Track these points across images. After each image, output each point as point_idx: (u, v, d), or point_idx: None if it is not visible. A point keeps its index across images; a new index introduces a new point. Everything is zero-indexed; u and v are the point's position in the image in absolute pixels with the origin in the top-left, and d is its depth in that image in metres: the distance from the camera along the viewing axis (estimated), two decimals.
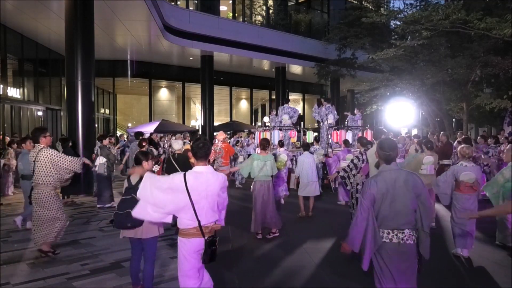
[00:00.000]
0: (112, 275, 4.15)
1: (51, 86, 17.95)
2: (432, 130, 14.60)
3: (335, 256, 4.86)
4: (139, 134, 9.77)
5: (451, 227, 4.87)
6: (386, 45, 14.80)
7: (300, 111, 26.96)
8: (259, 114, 31.70)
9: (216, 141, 9.03)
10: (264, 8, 23.26)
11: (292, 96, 27.94)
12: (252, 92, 26.73)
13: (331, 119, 11.02)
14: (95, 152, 8.41)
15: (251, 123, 27.37)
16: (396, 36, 16.91)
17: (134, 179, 3.55)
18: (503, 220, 5.14)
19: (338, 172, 6.11)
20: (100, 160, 7.67)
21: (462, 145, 4.96)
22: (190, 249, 2.73)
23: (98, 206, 7.67)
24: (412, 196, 2.63)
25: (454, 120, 20.03)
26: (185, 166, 5.02)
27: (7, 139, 11.93)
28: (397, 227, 2.62)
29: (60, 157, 4.60)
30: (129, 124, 25.36)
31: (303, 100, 29.25)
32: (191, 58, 19.74)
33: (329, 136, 10.96)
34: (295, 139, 12.03)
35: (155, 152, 7.94)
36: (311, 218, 6.86)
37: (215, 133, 18.48)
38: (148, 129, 15.24)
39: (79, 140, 9.35)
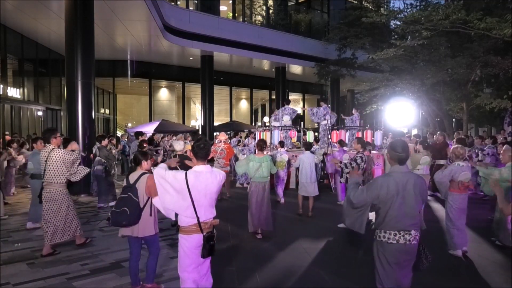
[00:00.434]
0: (112, 275, 4.15)
1: (51, 86, 17.96)
2: (432, 130, 14.60)
3: (334, 256, 4.86)
4: (138, 134, 9.77)
5: (447, 229, 4.87)
6: (386, 45, 14.80)
7: (300, 111, 26.99)
8: (259, 114, 31.70)
9: (217, 141, 9.04)
10: (264, 8, 23.26)
11: (292, 96, 27.93)
12: (252, 92, 26.74)
13: (328, 119, 11.04)
14: (93, 152, 8.39)
15: (251, 123, 27.37)
16: (396, 36, 16.91)
17: (132, 178, 3.59)
18: (502, 220, 5.15)
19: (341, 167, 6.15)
20: (99, 161, 7.62)
21: (456, 145, 5.00)
22: (190, 245, 2.83)
23: (98, 206, 7.66)
24: (419, 199, 2.69)
25: (454, 120, 20.02)
26: (186, 166, 5.02)
27: (8, 138, 11.92)
28: (404, 229, 2.65)
29: (70, 155, 4.84)
30: (129, 124, 25.35)
31: (303, 100, 29.24)
32: (191, 58, 19.74)
33: (329, 136, 10.97)
34: (295, 139, 12.05)
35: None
36: (310, 218, 6.85)
37: (215, 133, 18.54)
38: (148, 129, 15.25)
39: (79, 140, 9.34)
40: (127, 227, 3.48)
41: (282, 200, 8.11)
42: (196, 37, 17.50)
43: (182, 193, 2.75)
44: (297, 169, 7.78)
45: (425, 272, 3.05)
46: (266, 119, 12.36)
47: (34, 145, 6.27)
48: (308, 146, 7.50)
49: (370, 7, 19.60)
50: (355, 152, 6.16)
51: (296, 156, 7.73)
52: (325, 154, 9.58)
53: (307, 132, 12.04)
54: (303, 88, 28.55)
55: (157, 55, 19.45)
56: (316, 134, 12.24)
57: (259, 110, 32.01)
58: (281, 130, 11.00)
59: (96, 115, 10.78)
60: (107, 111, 24.09)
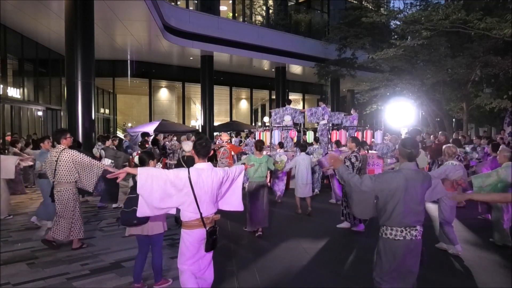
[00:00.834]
0: (112, 275, 4.15)
1: (51, 86, 17.96)
2: (432, 130, 14.60)
3: (334, 256, 4.86)
4: (145, 135, 9.80)
5: (442, 227, 4.91)
6: (386, 45, 14.80)
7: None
8: (259, 114, 31.70)
9: (220, 141, 9.08)
10: (264, 8, 23.26)
11: (292, 96, 27.92)
12: (252, 92, 26.74)
13: (327, 119, 11.03)
14: (98, 153, 8.36)
15: (251, 123, 27.37)
16: (396, 36, 16.91)
17: None
18: (499, 221, 5.15)
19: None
20: (106, 162, 7.49)
21: (449, 144, 5.04)
22: (193, 240, 2.94)
23: (98, 205, 7.62)
24: (423, 197, 2.78)
25: (454, 120, 20.03)
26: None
27: (8, 138, 11.91)
28: (411, 225, 2.70)
29: (81, 156, 4.89)
30: (129, 124, 25.34)
31: (303, 100, 29.25)
32: (191, 58, 19.75)
33: (329, 136, 10.96)
34: (295, 139, 12.04)
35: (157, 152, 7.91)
36: (310, 218, 6.86)
37: (215, 133, 18.55)
38: (148, 129, 15.22)
39: (79, 140, 9.35)
40: (137, 226, 3.58)
41: (279, 200, 8.12)
42: (196, 37, 17.50)
43: (185, 189, 2.83)
44: (291, 169, 7.77)
45: (424, 272, 3.05)
46: (266, 119, 12.37)
47: (41, 145, 6.34)
48: (303, 148, 7.50)
49: (370, 7, 19.60)
50: (350, 152, 6.17)
51: (293, 157, 7.76)
52: (326, 154, 9.58)
53: (307, 132, 12.03)
54: (303, 88, 28.56)
55: (157, 55, 19.45)
56: (317, 134, 12.23)
57: (259, 110, 32.01)
58: (282, 130, 11.00)
59: (96, 115, 10.78)
60: (107, 111, 24.09)
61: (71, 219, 4.88)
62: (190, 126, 23.39)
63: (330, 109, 11.65)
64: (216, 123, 21.25)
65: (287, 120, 11.24)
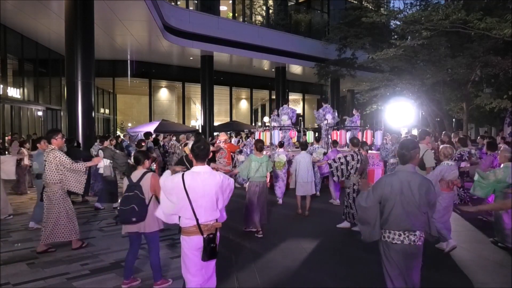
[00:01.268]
0: (112, 275, 4.15)
1: (51, 86, 17.96)
2: (432, 131, 14.58)
3: (334, 256, 4.86)
4: (148, 135, 9.80)
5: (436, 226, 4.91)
6: (386, 45, 14.79)
7: (300, 111, 26.99)
8: (259, 114, 31.70)
9: (218, 142, 9.06)
10: (264, 8, 23.26)
11: (292, 96, 27.93)
12: (252, 92, 26.74)
13: (329, 118, 11.02)
14: (97, 153, 8.35)
15: (251, 123, 27.37)
16: (396, 36, 16.90)
17: (135, 177, 3.73)
18: (499, 221, 5.15)
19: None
20: (105, 162, 7.44)
21: (445, 145, 5.04)
22: (190, 247, 2.83)
23: (95, 205, 7.56)
24: (423, 200, 2.66)
25: (454, 120, 20.03)
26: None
27: (8, 138, 11.93)
28: (409, 229, 2.64)
29: (64, 159, 4.75)
30: (129, 124, 25.34)
31: (303, 100, 29.25)
32: (191, 58, 19.75)
33: (329, 136, 10.95)
34: (295, 139, 12.03)
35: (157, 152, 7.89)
36: (309, 217, 6.86)
37: (215, 133, 18.54)
38: (148, 129, 15.24)
39: (79, 140, 9.36)
40: (135, 223, 3.60)
41: (280, 201, 8.11)
42: (196, 37, 17.50)
43: (181, 194, 2.76)
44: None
45: (424, 272, 3.05)
46: (266, 119, 12.37)
47: (38, 145, 6.31)
48: (304, 146, 7.51)
49: (370, 7, 19.60)
50: (349, 151, 6.19)
51: (294, 156, 7.75)
52: (324, 153, 9.58)
53: (307, 132, 12.03)
54: (303, 88, 28.56)
55: (157, 55, 19.45)
56: (316, 134, 12.23)
57: (259, 110, 32.01)
58: (281, 130, 10.99)
59: (96, 115, 10.79)
60: (107, 111, 24.09)
61: (56, 221, 4.77)
62: (190, 126, 23.39)
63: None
64: (216, 123, 21.25)
65: (284, 119, 11.25)
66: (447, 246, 4.83)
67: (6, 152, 10.47)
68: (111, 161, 7.43)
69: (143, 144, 7.31)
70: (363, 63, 18.36)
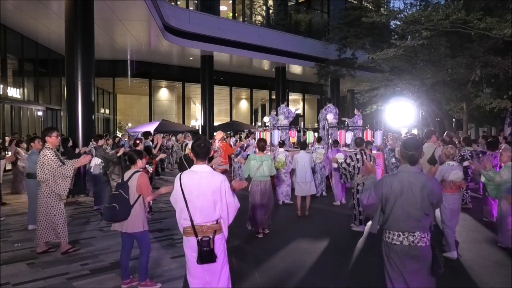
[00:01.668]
0: (112, 275, 4.14)
1: (51, 86, 17.97)
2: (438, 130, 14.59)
3: (334, 256, 4.86)
4: (147, 134, 9.78)
5: (443, 230, 4.86)
6: (386, 45, 14.80)
7: (300, 111, 26.96)
8: (259, 114, 31.71)
9: (214, 141, 9.03)
10: (264, 8, 23.27)
11: (292, 96, 27.94)
12: (252, 92, 26.75)
13: (330, 118, 11.01)
14: (88, 151, 8.34)
15: (251, 123, 27.38)
16: (396, 36, 16.91)
17: (126, 176, 3.74)
18: (503, 222, 5.14)
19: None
20: (96, 161, 7.41)
21: (446, 146, 5.03)
22: (188, 248, 2.79)
23: (94, 208, 7.52)
24: (426, 201, 2.58)
25: (454, 120, 20.03)
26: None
27: (7, 139, 11.93)
28: (408, 230, 2.58)
29: (51, 159, 4.60)
30: (129, 124, 25.35)
31: (303, 100, 29.25)
32: (191, 58, 19.75)
33: (329, 136, 10.95)
34: (295, 139, 12.02)
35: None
36: (309, 218, 6.85)
37: (215, 133, 18.54)
38: (148, 129, 15.25)
39: (79, 140, 9.35)
40: (116, 222, 3.63)
41: (281, 202, 8.10)
42: (196, 37, 17.51)
43: (179, 194, 2.73)
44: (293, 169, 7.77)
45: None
46: (266, 119, 12.36)
47: (32, 144, 6.18)
48: (303, 146, 7.49)
49: (370, 7, 19.60)
50: (351, 151, 6.19)
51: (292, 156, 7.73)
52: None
53: (307, 132, 12.03)
54: (303, 88, 28.57)
55: (157, 55, 19.45)
56: (316, 134, 12.22)
57: (259, 110, 32.02)
58: (279, 130, 11.00)
59: (96, 115, 10.78)
60: (107, 111, 24.09)
61: (44, 220, 4.71)
62: (190, 126, 23.40)
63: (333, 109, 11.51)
64: (216, 123, 21.25)
65: (281, 119, 11.26)
66: (448, 253, 4.80)
67: (7, 152, 10.46)
68: (102, 161, 7.44)
69: (138, 142, 7.29)
70: (363, 63, 18.36)
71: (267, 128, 11.81)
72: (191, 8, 19.69)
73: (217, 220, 2.77)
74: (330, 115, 10.99)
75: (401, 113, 13.60)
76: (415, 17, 12.39)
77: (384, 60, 15.01)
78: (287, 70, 22.92)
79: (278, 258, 4.76)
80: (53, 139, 4.75)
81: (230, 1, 21.56)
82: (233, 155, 10.02)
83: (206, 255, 2.67)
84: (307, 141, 11.22)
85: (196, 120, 26.34)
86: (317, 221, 6.74)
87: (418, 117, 19.49)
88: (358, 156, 6.01)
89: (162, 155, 7.77)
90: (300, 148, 7.39)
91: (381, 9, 18.48)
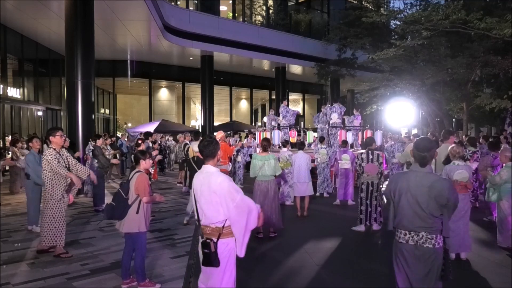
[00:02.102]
0: (112, 275, 4.14)
1: (51, 86, 17.96)
2: (432, 131, 14.59)
3: (335, 257, 4.86)
4: (148, 135, 9.78)
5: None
6: (386, 45, 14.81)
7: (300, 111, 26.96)
8: (259, 114, 31.69)
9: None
10: (264, 8, 23.27)
11: (292, 96, 27.93)
12: (252, 92, 26.74)
13: (335, 118, 10.99)
14: (86, 152, 8.33)
15: (251, 123, 27.37)
16: (396, 36, 16.92)
17: (130, 176, 3.80)
18: (503, 222, 5.14)
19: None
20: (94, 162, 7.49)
21: (453, 145, 5.00)
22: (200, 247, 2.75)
23: (94, 209, 7.47)
24: (433, 203, 2.53)
25: (454, 120, 20.04)
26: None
27: (8, 139, 11.93)
28: (414, 229, 2.58)
29: (52, 161, 4.53)
30: (129, 124, 25.34)
31: (303, 100, 29.25)
32: (191, 58, 19.75)
33: (330, 136, 10.95)
34: (295, 139, 12.01)
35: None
36: (310, 218, 6.85)
37: (215, 134, 18.54)
38: (148, 129, 15.25)
39: (79, 140, 9.35)
40: (113, 220, 3.71)
41: (288, 202, 7.94)
42: (196, 37, 17.50)
43: (192, 193, 2.82)
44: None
45: None
46: (266, 119, 12.35)
47: (30, 144, 6.14)
48: (300, 146, 7.47)
49: (370, 7, 19.60)
50: (361, 151, 6.20)
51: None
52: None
53: (307, 132, 12.04)
54: (303, 88, 28.56)
55: (157, 55, 19.45)
56: (315, 134, 12.23)
57: (259, 110, 32.01)
58: (279, 129, 11.00)
59: (96, 115, 10.79)
60: (107, 111, 24.08)
61: (45, 221, 4.61)
62: (190, 126, 23.39)
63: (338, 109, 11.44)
64: (216, 123, 21.24)
65: (280, 119, 11.28)
66: (450, 255, 4.77)
67: (7, 153, 10.47)
68: (97, 161, 7.45)
69: (140, 142, 7.29)
70: (363, 63, 18.37)
71: (266, 128, 11.81)
72: (191, 8, 19.68)
73: (223, 223, 2.60)
74: (335, 115, 10.97)
75: (401, 113, 13.60)
76: (415, 17, 12.40)
77: (384, 60, 15.02)
78: (287, 70, 22.91)
79: (279, 258, 4.76)
80: (57, 139, 4.67)
81: (230, 1, 21.55)
82: (233, 154, 10.03)
83: (206, 258, 2.57)
84: (307, 141, 11.23)
85: (196, 120, 26.33)
86: (318, 221, 6.74)
87: (418, 117, 19.50)
88: (364, 156, 6.02)
89: (158, 157, 7.78)
90: (298, 148, 7.36)
91: (381, 9, 18.47)
